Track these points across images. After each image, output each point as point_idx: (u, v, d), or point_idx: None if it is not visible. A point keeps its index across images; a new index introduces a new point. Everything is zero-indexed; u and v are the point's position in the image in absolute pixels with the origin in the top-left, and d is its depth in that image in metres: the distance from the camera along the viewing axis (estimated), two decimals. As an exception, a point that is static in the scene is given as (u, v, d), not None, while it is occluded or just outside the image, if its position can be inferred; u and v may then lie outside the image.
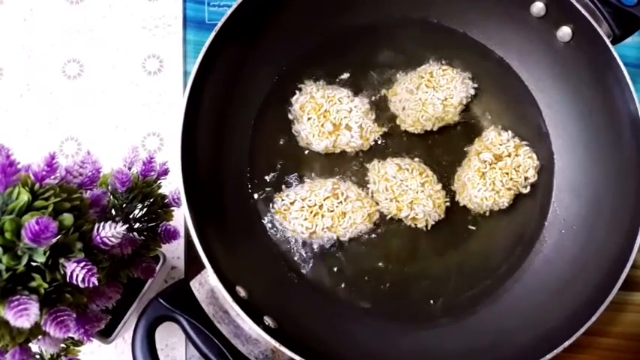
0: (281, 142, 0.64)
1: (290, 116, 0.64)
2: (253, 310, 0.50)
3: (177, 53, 0.71)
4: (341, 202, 0.60)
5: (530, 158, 0.62)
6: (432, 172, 0.62)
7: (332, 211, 0.60)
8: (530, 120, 0.65)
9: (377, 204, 0.62)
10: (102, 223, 0.42)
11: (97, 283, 0.39)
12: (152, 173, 0.52)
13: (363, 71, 0.66)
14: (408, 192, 0.61)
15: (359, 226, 0.61)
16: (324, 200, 0.60)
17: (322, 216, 0.60)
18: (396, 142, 0.65)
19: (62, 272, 0.40)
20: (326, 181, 0.62)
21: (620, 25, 0.57)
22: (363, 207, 0.61)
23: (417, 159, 0.63)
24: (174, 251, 0.65)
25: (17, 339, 0.42)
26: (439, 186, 0.62)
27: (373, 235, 0.62)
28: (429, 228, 0.62)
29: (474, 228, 0.63)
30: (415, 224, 0.62)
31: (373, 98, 0.65)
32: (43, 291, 0.39)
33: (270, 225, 0.62)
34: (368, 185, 0.63)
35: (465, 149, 0.64)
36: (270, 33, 0.62)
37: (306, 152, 0.64)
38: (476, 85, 0.65)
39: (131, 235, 0.49)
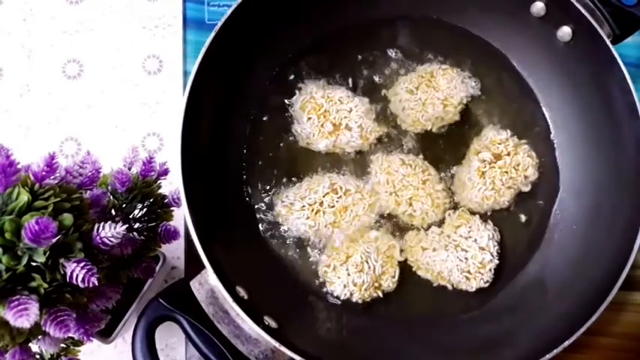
0: (281, 143, 0.64)
1: (290, 116, 0.64)
2: (253, 310, 0.50)
3: (177, 53, 0.71)
4: (340, 196, 0.60)
5: (530, 157, 0.62)
6: (435, 172, 0.62)
7: (333, 207, 0.60)
8: (530, 119, 0.65)
9: (377, 193, 0.62)
10: (102, 224, 0.42)
11: (96, 283, 0.40)
12: (152, 173, 0.52)
13: (363, 70, 0.66)
14: (408, 188, 0.60)
15: (362, 217, 0.61)
16: (324, 197, 0.60)
17: (324, 213, 0.60)
18: (395, 142, 0.65)
19: (62, 272, 0.40)
20: (323, 177, 0.62)
21: (620, 25, 0.57)
22: (363, 198, 0.61)
23: (421, 156, 0.63)
24: (174, 251, 0.65)
25: (17, 339, 0.42)
26: (441, 186, 0.62)
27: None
28: (424, 227, 0.62)
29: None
30: (412, 222, 0.61)
31: (373, 98, 0.65)
32: (43, 291, 0.39)
33: (270, 225, 0.62)
34: (369, 177, 0.63)
35: (465, 149, 0.64)
36: (269, 33, 0.62)
37: (306, 152, 0.64)
38: (476, 85, 0.65)
39: (131, 235, 0.49)
